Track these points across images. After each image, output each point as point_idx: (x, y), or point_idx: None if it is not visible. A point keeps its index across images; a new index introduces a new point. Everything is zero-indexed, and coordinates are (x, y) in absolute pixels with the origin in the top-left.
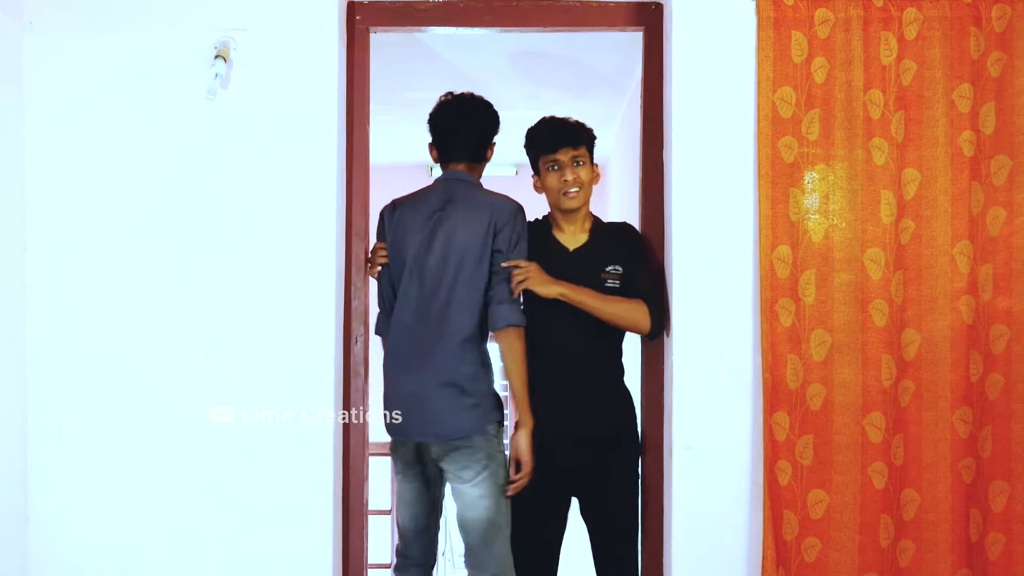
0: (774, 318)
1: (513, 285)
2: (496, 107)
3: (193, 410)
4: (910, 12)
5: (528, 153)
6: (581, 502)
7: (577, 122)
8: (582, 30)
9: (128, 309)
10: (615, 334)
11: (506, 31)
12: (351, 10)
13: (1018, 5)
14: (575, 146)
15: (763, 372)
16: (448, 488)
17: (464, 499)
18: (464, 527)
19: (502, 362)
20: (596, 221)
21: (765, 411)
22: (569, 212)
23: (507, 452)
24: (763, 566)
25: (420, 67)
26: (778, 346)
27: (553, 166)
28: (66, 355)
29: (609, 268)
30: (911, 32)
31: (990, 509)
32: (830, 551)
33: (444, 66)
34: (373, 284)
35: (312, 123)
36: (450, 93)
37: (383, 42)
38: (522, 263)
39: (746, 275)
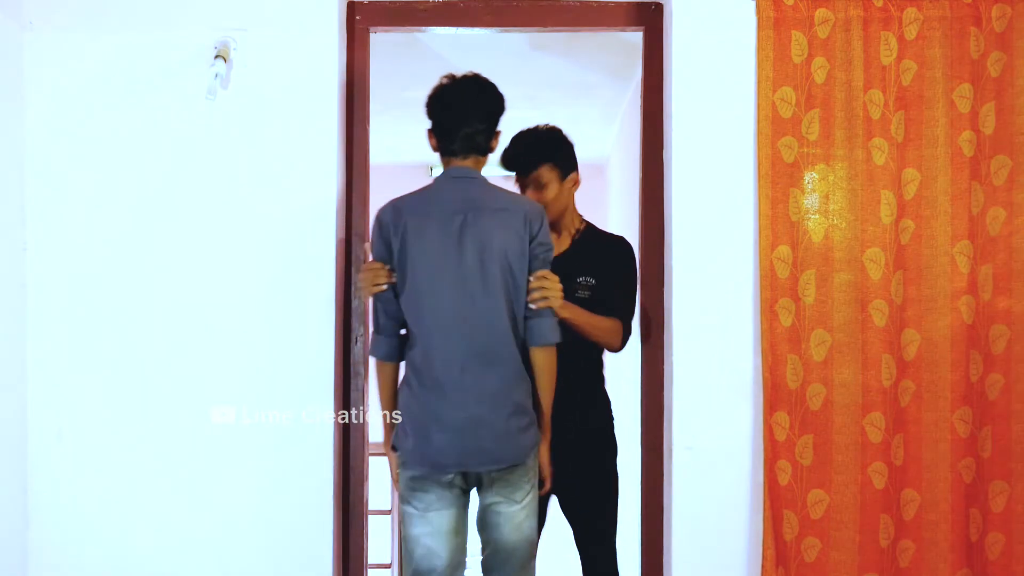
0: (774, 318)
1: (536, 301)
2: None
3: (193, 410)
4: (910, 12)
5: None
6: (559, 500)
7: (535, 142)
8: (582, 30)
9: (128, 309)
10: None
11: (506, 31)
12: (351, 10)
13: (1018, 5)
14: (531, 171)
15: (763, 372)
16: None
17: (512, 522)
18: (508, 552)
19: (537, 378)
20: (587, 230)
21: (765, 411)
22: (551, 223)
23: None
24: (763, 566)
25: (420, 67)
26: (778, 346)
27: (521, 186)
28: (66, 355)
29: (580, 279)
30: (911, 32)
31: (990, 509)
32: (830, 551)
33: (444, 66)
34: None
35: (312, 123)
36: (451, 75)
37: (383, 42)
38: (549, 277)
39: (746, 275)
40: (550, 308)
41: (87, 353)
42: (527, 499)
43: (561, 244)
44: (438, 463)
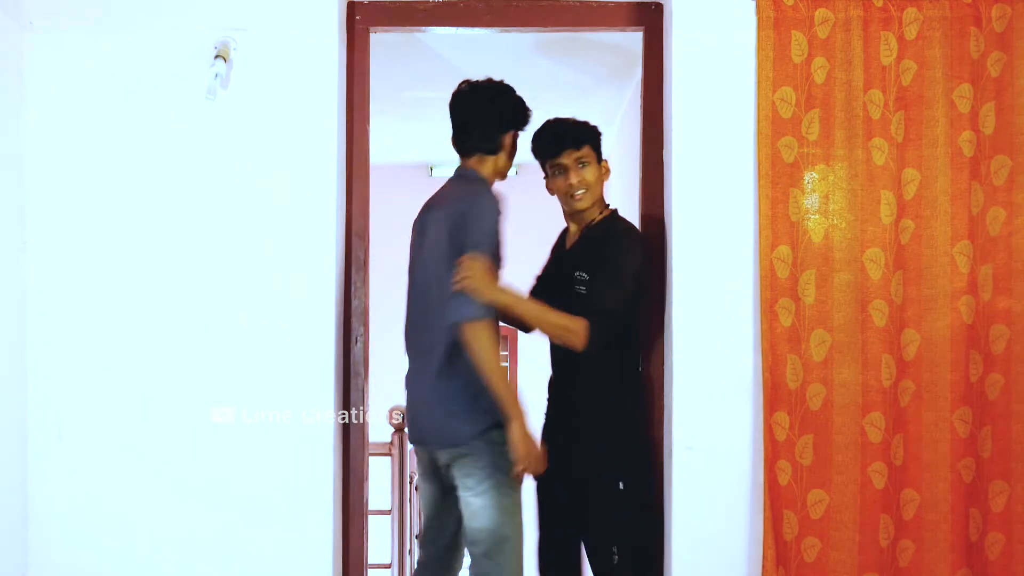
0: (774, 318)
1: (454, 284)
2: None
3: (193, 410)
4: (910, 12)
5: (535, 157)
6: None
7: (579, 122)
8: (582, 30)
9: (128, 309)
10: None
11: (506, 31)
12: (351, 10)
13: (1018, 5)
14: (577, 147)
15: (763, 372)
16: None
17: (469, 509)
18: (470, 539)
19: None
20: (600, 222)
21: (765, 411)
22: (578, 212)
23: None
24: (763, 566)
25: (420, 67)
26: (778, 346)
27: (558, 170)
28: (66, 355)
29: (577, 274)
30: (911, 32)
31: (990, 509)
32: (830, 551)
33: (444, 66)
34: (375, 284)
35: (312, 123)
36: (466, 81)
37: (383, 42)
38: (468, 261)
39: (746, 275)
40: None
41: (87, 353)
42: (482, 488)
43: (573, 236)
44: (411, 439)
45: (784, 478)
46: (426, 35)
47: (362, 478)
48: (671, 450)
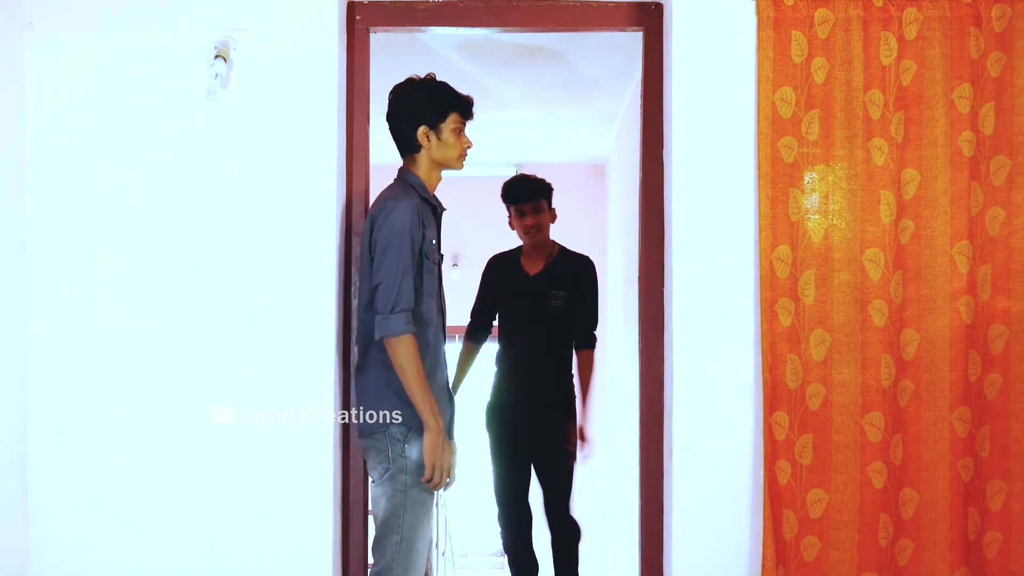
0: (774, 318)
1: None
2: (496, 107)
3: (193, 410)
4: (910, 12)
5: (503, 201)
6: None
7: (538, 180)
8: (582, 30)
9: (128, 309)
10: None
11: (506, 31)
12: (351, 10)
13: (1018, 5)
14: (535, 200)
15: (763, 372)
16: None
17: (372, 497)
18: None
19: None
20: (560, 252)
21: (765, 411)
22: (534, 246)
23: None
24: (763, 565)
25: (420, 67)
26: (778, 346)
27: (520, 213)
28: (66, 355)
29: (554, 291)
30: (911, 32)
31: (988, 508)
32: (829, 550)
33: (444, 66)
34: None
35: (312, 123)
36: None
37: (383, 42)
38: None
39: (746, 275)
40: (383, 304)
41: (87, 353)
42: (381, 480)
43: (536, 266)
44: None
45: (784, 477)
46: (426, 35)
47: (362, 478)
48: (671, 450)
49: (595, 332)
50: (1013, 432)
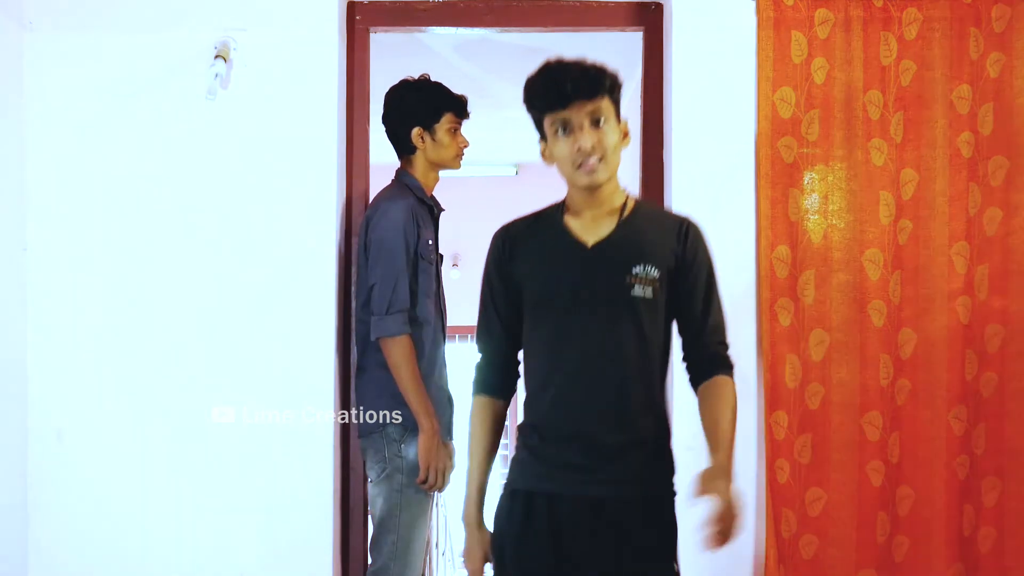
0: (773, 318)
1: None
2: (496, 107)
3: (193, 410)
4: (910, 12)
5: (529, 112)
6: None
7: (594, 64)
8: (582, 30)
9: (128, 309)
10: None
11: (506, 31)
12: (351, 10)
13: (1018, 6)
14: (591, 97)
15: (762, 372)
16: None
17: (370, 496)
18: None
19: None
20: (636, 205)
21: (764, 410)
22: (589, 191)
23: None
24: (766, 564)
25: (420, 67)
26: (777, 346)
27: (563, 128)
28: (66, 355)
29: (637, 270)
30: (911, 32)
31: (983, 504)
32: (827, 547)
33: (444, 66)
34: None
35: (312, 123)
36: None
37: (383, 42)
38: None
39: (746, 275)
40: (379, 306)
41: (87, 353)
42: (379, 480)
43: (603, 228)
44: None
45: (783, 476)
46: (426, 35)
47: (362, 478)
48: None
49: (727, 342)
50: (1007, 430)
